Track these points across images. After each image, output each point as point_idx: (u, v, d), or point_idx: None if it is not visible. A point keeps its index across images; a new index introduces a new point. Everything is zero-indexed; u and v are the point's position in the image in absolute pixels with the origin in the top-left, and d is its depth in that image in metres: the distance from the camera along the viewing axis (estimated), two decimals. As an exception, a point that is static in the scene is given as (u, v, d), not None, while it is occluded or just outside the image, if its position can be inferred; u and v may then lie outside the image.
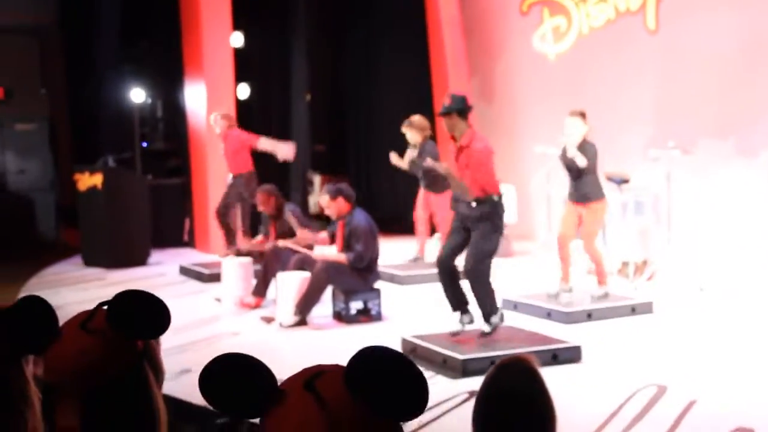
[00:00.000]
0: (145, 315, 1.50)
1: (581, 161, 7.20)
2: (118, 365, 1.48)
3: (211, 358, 1.20)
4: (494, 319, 6.09)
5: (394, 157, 9.29)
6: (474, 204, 5.98)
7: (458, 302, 6.21)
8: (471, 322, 6.22)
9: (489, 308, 6.10)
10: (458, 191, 6.09)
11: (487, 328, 6.08)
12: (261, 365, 1.19)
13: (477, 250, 5.99)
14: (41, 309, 1.56)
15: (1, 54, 13.08)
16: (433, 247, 9.47)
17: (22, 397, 1.64)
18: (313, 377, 1.15)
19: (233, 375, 1.18)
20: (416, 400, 1.14)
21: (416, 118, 9.12)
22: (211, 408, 1.21)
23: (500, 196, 6.04)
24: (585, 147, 7.30)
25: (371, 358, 1.14)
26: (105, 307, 1.51)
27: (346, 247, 7.09)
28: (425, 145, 9.06)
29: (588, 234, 7.36)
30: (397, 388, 1.13)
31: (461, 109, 6.03)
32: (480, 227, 5.98)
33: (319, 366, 1.19)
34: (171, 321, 1.52)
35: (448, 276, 6.19)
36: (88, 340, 1.47)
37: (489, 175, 5.99)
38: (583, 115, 7.36)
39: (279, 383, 1.19)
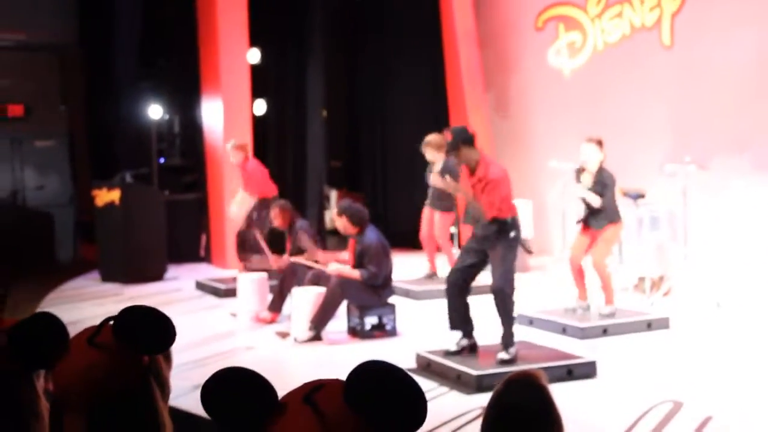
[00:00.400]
0: (151, 330, 1.52)
1: (595, 201, 7.23)
2: (125, 380, 1.50)
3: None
4: (513, 349, 6.02)
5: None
6: (489, 224, 6.00)
7: (461, 322, 6.20)
8: (470, 347, 6.19)
9: (509, 334, 6.04)
10: (474, 211, 6.11)
11: (505, 356, 5.99)
12: (261, 379, 1.20)
13: (501, 269, 5.99)
14: (52, 325, 1.58)
15: (22, 71, 13.22)
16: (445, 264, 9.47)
17: (31, 410, 1.67)
18: (313, 391, 1.16)
19: (234, 389, 1.19)
20: (414, 414, 1.15)
21: (432, 137, 9.05)
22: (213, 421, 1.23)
23: (514, 218, 6.05)
24: (603, 175, 7.28)
25: (370, 372, 1.15)
26: (111, 323, 1.53)
27: (358, 264, 7.11)
28: (447, 162, 9.03)
29: (599, 253, 7.33)
30: (396, 403, 1.14)
31: (465, 139, 6.03)
32: (497, 247, 6.00)
33: (319, 380, 1.20)
34: (176, 336, 1.54)
35: (455, 292, 6.18)
36: (95, 355, 1.49)
37: (503, 200, 5.99)
38: (599, 142, 7.34)
39: (281, 397, 1.20)
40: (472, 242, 6.21)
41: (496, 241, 6.01)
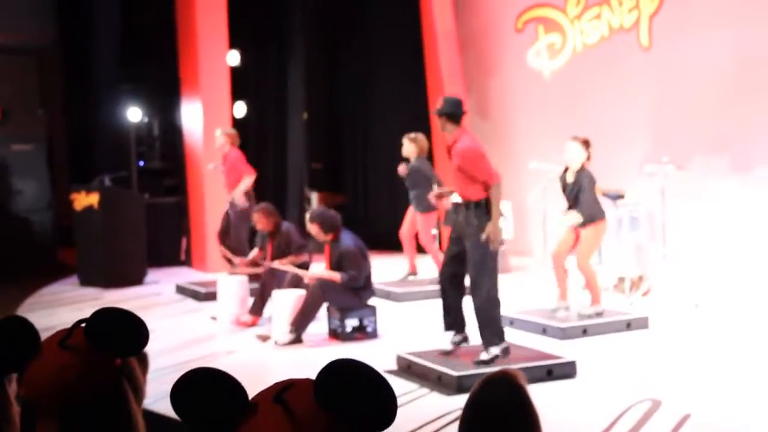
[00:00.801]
0: (123, 332, 1.51)
1: (576, 220, 7.25)
2: (97, 382, 1.49)
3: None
4: (494, 349, 5.90)
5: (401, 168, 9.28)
6: (464, 208, 5.91)
7: (454, 318, 6.14)
8: (464, 341, 6.16)
9: (490, 335, 5.92)
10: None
11: (484, 356, 5.90)
12: (231, 379, 1.20)
13: (472, 261, 5.84)
14: (22, 328, 1.57)
15: (-1, 74, 13.14)
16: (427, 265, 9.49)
17: (2, 415, 1.65)
18: (283, 390, 1.16)
19: (203, 389, 1.19)
20: (384, 412, 1.15)
21: (422, 137, 9.25)
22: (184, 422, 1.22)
23: (488, 201, 5.84)
24: (581, 174, 7.29)
25: (340, 370, 1.15)
26: (83, 325, 1.52)
27: (336, 269, 7.08)
28: (420, 163, 9.14)
29: (582, 252, 7.32)
30: (366, 401, 1.14)
31: (450, 113, 5.95)
32: (471, 235, 5.83)
33: (289, 379, 1.20)
34: (149, 338, 1.53)
35: (447, 286, 6.07)
36: (67, 358, 1.48)
37: (474, 179, 5.83)
38: (585, 142, 7.35)
39: (252, 397, 1.20)
40: (452, 233, 6.12)
41: (467, 228, 5.82)
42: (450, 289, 6.11)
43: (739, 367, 6.11)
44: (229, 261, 9.24)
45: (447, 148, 6.04)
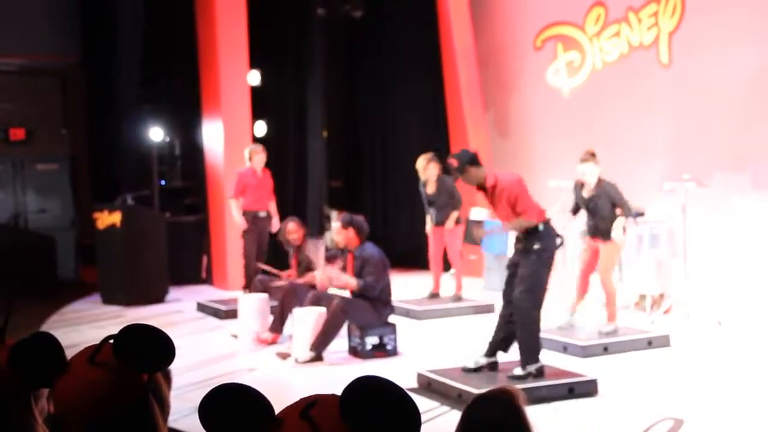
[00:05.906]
0: (151, 348, 1.54)
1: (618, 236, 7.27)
2: (125, 398, 1.51)
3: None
4: (530, 367, 5.97)
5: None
6: (521, 235, 6.00)
7: (501, 345, 6.16)
8: (489, 365, 6.17)
9: (528, 353, 5.99)
10: (520, 227, 6.02)
11: (519, 372, 5.96)
12: (258, 394, 1.22)
13: (523, 285, 5.95)
14: (48, 343, 1.59)
15: (23, 95, 13.29)
16: (449, 282, 9.47)
17: (27, 431, 1.68)
18: (309, 406, 1.18)
19: (231, 404, 1.21)
20: (409, 428, 1.17)
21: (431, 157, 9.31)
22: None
23: (546, 223, 6.01)
24: (605, 187, 7.32)
25: (365, 387, 1.17)
26: (111, 341, 1.54)
27: (357, 277, 7.13)
28: (445, 180, 9.18)
29: (605, 268, 7.35)
30: (391, 417, 1.16)
31: (471, 159, 6.04)
32: (526, 259, 5.96)
33: (314, 395, 1.22)
34: (176, 354, 1.55)
35: (504, 307, 6.15)
36: (95, 373, 1.50)
37: (529, 205, 5.98)
38: (593, 155, 7.40)
39: (278, 413, 1.22)
40: (512, 257, 6.21)
41: (524, 254, 5.96)
42: (506, 314, 6.15)
43: (762, 386, 6.05)
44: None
45: (491, 188, 6.04)
